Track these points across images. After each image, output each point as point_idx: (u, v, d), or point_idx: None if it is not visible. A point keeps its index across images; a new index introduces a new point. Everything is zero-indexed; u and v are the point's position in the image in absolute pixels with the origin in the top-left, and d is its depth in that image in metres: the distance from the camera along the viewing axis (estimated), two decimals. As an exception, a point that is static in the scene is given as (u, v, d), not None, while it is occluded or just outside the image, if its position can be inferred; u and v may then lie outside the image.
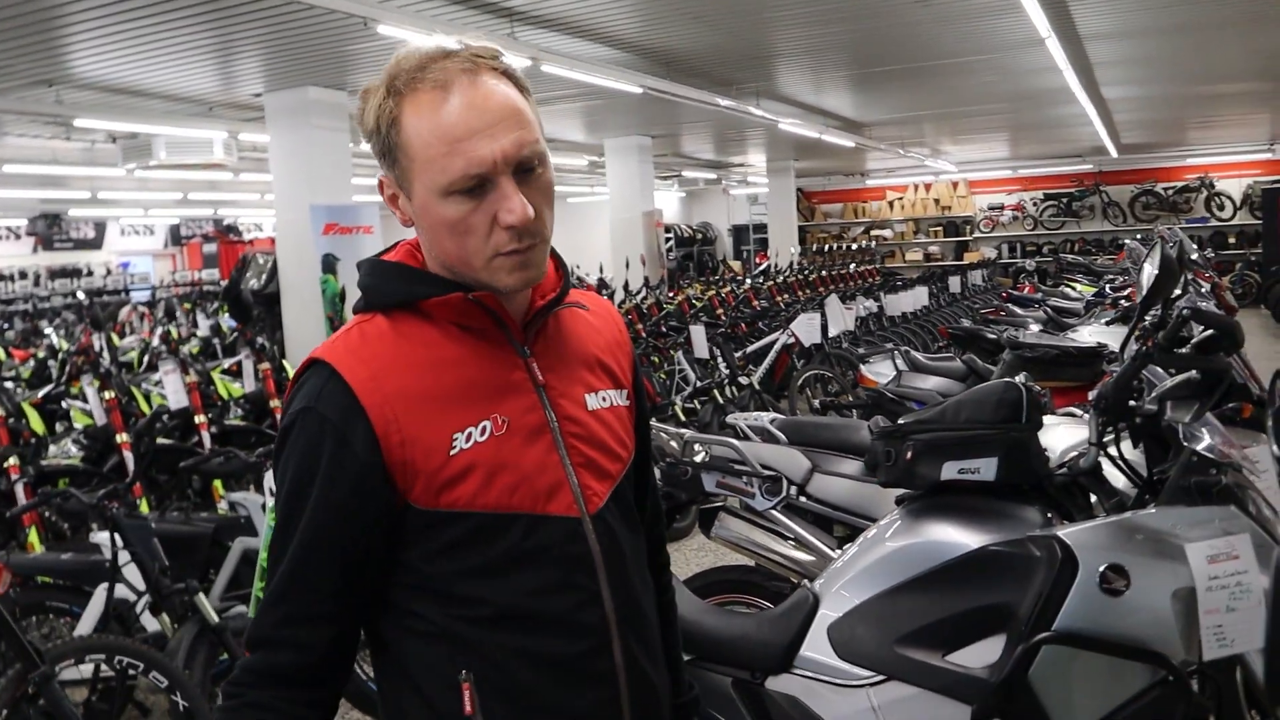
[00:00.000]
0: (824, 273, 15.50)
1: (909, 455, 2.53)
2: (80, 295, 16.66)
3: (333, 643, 1.33)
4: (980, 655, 2.24)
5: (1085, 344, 4.95)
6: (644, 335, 9.22)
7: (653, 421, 4.64)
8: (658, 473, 3.84)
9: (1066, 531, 2.24)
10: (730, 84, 10.87)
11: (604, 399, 1.46)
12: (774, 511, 3.66)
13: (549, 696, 1.34)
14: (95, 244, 22.80)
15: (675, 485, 3.80)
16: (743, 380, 8.39)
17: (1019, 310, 9.66)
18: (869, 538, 2.59)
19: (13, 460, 4.82)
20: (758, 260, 21.66)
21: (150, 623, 3.87)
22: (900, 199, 23.82)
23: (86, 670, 3.52)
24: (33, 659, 3.08)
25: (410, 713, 1.36)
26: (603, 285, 14.09)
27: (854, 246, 22.30)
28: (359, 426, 1.28)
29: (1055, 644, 2.16)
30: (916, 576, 2.37)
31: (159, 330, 9.95)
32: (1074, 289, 11.67)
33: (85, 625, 3.82)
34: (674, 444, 3.98)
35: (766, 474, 3.65)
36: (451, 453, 1.30)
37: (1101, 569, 2.16)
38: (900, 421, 2.65)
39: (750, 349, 9.66)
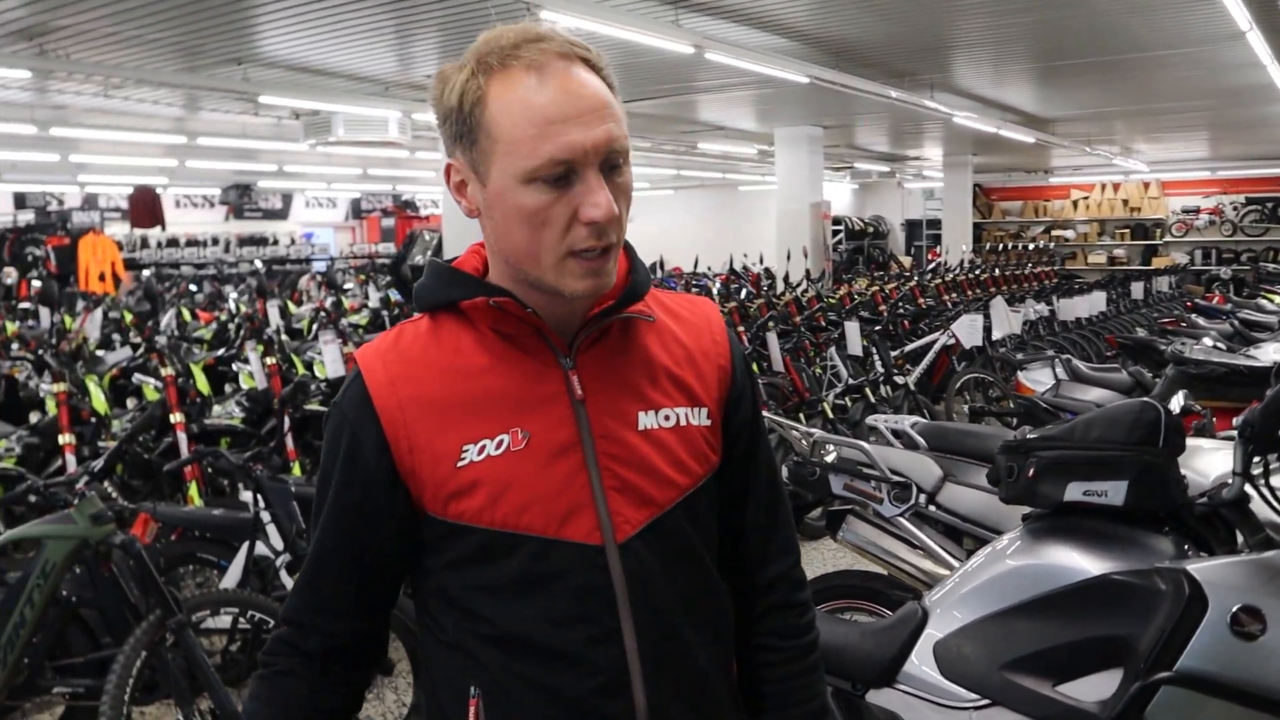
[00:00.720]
0: (997, 272, 14.95)
1: (1031, 472, 2.40)
2: (258, 263, 17.56)
3: (355, 633, 1.35)
4: (1094, 689, 2.10)
5: (1259, 363, 4.60)
6: (799, 328, 9.09)
7: (782, 419, 4.56)
8: (784, 472, 3.79)
9: (1197, 566, 2.07)
10: (904, 75, 10.58)
11: (666, 418, 1.33)
12: (902, 519, 3.54)
13: None
14: (282, 214, 23.97)
15: (802, 485, 3.72)
16: (898, 380, 8.17)
17: (1203, 321, 9.06)
18: (986, 555, 2.47)
19: (178, 418, 5.12)
20: (930, 257, 21.11)
21: (289, 581, 4.05)
22: (1085, 198, 22.75)
23: (225, 622, 3.72)
24: (171, 607, 3.26)
25: (432, 715, 1.36)
26: (767, 275, 13.98)
27: (1032, 246, 21.43)
28: (371, 429, 1.27)
29: (1176, 685, 2.00)
30: (1031, 600, 2.25)
31: (329, 300, 10.41)
32: (1272, 301, 10.89)
33: (229, 579, 4.02)
34: (803, 443, 3.89)
35: (895, 480, 3.53)
36: (459, 464, 1.25)
37: (1234, 609, 1.99)
38: (1028, 435, 2.51)
39: (909, 348, 9.41)
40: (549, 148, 1.18)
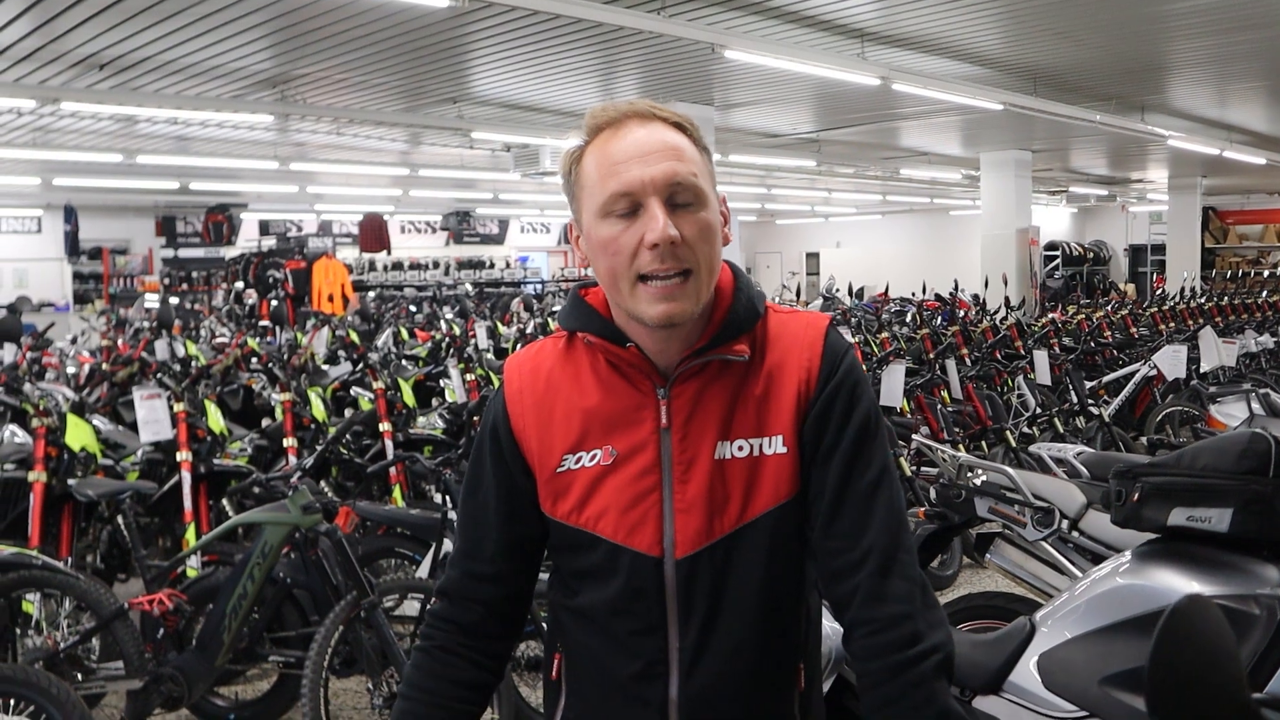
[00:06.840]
0: (1224, 300, 14.13)
1: (1136, 497, 2.47)
2: (467, 287, 18.54)
3: (505, 600, 1.56)
4: (1187, 707, 2.17)
5: None
6: (986, 355, 8.98)
7: (930, 442, 4.62)
8: (932, 494, 3.90)
9: (1292, 593, 2.12)
10: (1110, 98, 10.28)
11: (741, 448, 1.44)
12: (1044, 543, 3.59)
13: (604, 700, 1.49)
14: (498, 239, 25.33)
15: (948, 506, 3.82)
16: (1093, 410, 7.96)
17: None
18: (1094, 576, 2.56)
19: (386, 427, 5.66)
20: (1156, 284, 20.13)
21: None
22: (1335, 222, 21.15)
23: (414, 609, 4.14)
24: (365, 589, 3.69)
25: (544, 664, 1.61)
26: (976, 302, 13.78)
27: (1268, 274, 20.05)
28: (505, 425, 1.52)
29: (1265, 708, 2.06)
30: (1131, 618, 2.33)
31: (532, 322, 10.99)
32: None
33: (420, 572, 4.43)
34: (950, 467, 3.99)
35: (1039, 505, 3.58)
36: (559, 469, 1.47)
37: (1326, 636, 2.03)
38: (1139, 462, 2.58)
39: (1108, 378, 9.13)
40: (614, 183, 1.38)
